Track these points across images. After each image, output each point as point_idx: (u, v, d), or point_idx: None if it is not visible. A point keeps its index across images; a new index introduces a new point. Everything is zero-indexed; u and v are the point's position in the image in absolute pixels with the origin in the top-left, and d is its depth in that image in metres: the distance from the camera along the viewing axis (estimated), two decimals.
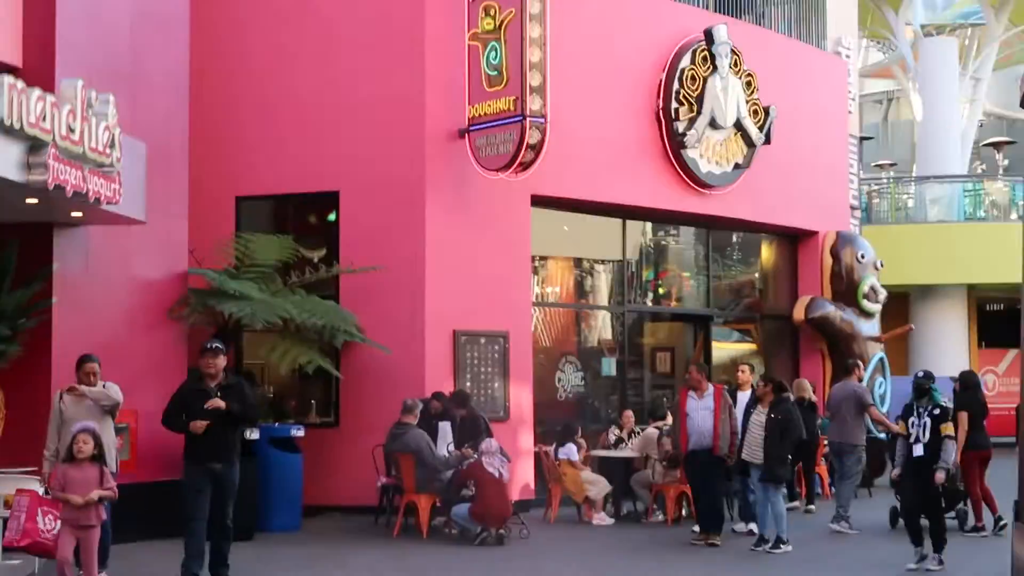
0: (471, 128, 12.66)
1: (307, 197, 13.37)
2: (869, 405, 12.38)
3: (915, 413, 9.19)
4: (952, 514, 10.90)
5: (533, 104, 12.25)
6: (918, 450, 9.01)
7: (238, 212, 13.07)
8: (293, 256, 12.53)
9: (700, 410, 10.35)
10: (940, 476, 9.07)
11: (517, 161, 12.25)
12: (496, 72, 12.48)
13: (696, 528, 10.74)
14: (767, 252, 17.58)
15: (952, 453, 9.24)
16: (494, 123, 12.53)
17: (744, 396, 11.42)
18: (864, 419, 12.12)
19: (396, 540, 11.27)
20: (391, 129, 12.74)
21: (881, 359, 16.79)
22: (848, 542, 11.25)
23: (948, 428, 9.20)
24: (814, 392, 14.16)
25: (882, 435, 13.80)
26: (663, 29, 15.07)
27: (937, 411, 9.18)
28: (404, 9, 12.94)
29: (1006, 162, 27.03)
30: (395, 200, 12.69)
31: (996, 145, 26.94)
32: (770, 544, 10.00)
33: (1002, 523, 10.74)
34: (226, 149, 12.87)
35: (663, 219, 16.11)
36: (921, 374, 9.64)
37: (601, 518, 12.22)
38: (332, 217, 13.13)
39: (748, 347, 17.37)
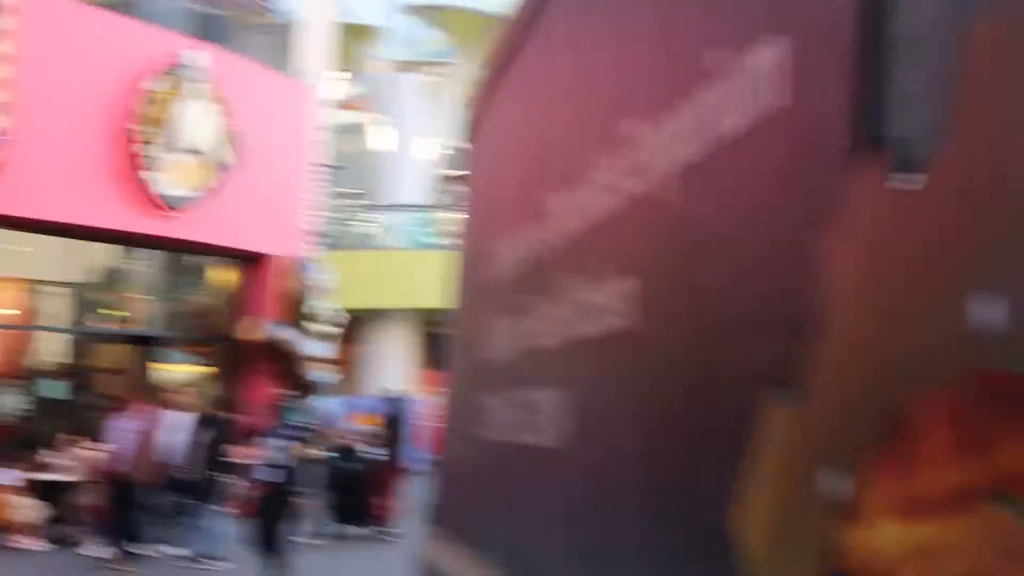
0: None
1: None
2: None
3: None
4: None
5: None
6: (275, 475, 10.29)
7: None
8: None
9: (128, 431, 10.96)
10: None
11: None
12: None
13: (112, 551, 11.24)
14: (228, 275, 18.20)
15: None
16: None
17: (182, 416, 11.94)
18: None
19: None
20: None
21: (325, 380, 17.87)
22: None
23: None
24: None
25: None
26: (135, 51, 15.45)
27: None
28: None
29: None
30: None
31: (454, 178, 30.14)
32: (206, 559, 10.67)
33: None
34: None
35: (126, 240, 16.57)
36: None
37: (32, 543, 12.39)
38: None
39: (206, 369, 17.71)
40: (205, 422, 11.13)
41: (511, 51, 4.21)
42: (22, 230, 14.73)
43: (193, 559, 10.73)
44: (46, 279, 16.25)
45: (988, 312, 1.09)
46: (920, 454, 1.25)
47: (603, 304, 2.55)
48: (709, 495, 1.78)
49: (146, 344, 16.93)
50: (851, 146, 1.42)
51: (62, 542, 12.78)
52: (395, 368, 23.41)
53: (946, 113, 1.21)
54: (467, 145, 5.29)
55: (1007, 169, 1.10)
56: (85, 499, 12.63)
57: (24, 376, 15.12)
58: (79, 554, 11.97)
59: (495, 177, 4.47)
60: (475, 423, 4.10)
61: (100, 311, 16.91)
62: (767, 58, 1.71)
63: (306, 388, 16.96)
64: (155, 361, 17.07)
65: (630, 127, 2.44)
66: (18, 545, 12.29)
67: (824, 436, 1.47)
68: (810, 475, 1.48)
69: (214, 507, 10.95)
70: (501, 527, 3.56)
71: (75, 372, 15.82)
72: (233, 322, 18.08)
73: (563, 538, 2.76)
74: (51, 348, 16.22)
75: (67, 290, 16.33)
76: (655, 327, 2.22)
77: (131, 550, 10.58)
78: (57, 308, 16.64)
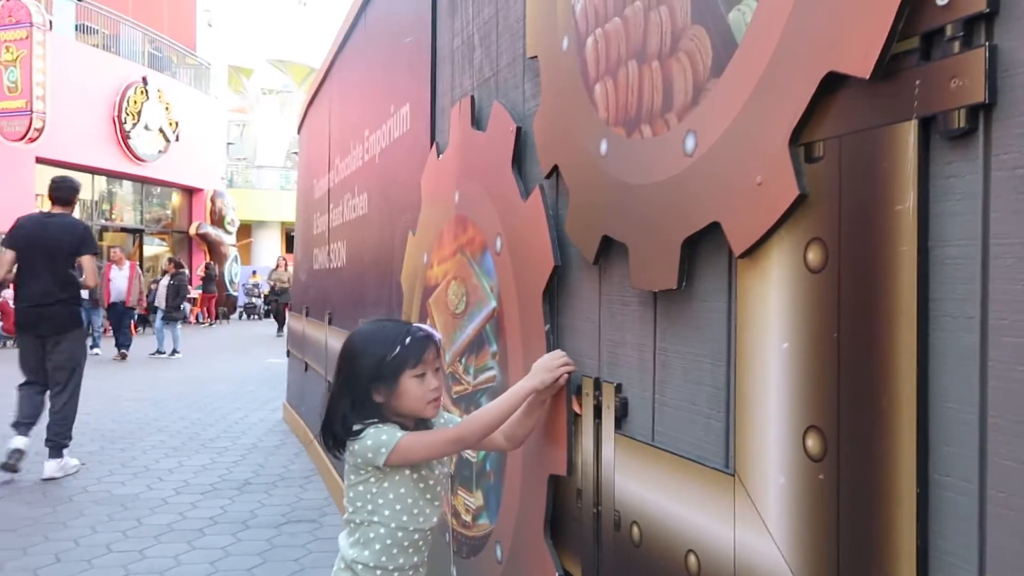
0: None
1: None
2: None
3: None
4: None
5: (37, 106, 14.63)
6: None
7: None
8: None
9: (120, 278, 12.29)
10: None
11: (27, 136, 14.71)
12: (14, 84, 14.73)
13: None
14: (176, 198, 20.61)
15: None
16: (14, 114, 14.68)
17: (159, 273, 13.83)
18: None
19: None
20: None
21: (232, 256, 20.66)
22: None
23: None
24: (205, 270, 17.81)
25: None
26: (119, 72, 17.39)
27: None
28: None
29: None
30: None
31: (296, 151, 30.83)
32: (168, 353, 12.02)
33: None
34: None
35: (119, 177, 18.44)
36: None
37: None
38: None
39: (168, 248, 20.01)
40: (171, 275, 12.80)
41: (318, 86, 5.37)
42: (58, 167, 15.35)
43: (160, 353, 12.06)
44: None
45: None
46: (442, 243, 2.24)
47: (357, 205, 3.82)
48: (391, 273, 2.97)
49: (132, 232, 19.14)
50: (429, 142, 2.50)
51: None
52: (269, 252, 25.23)
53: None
54: (299, 133, 6.67)
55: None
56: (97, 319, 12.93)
57: None
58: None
59: (311, 149, 5.63)
60: (309, 263, 5.59)
61: (105, 216, 18.56)
62: (405, 109, 2.87)
63: (221, 260, 20.08)
64: (137, 242, 19.16)
65: (364, 129, 3.65)
66: None
67: (421, 241, 2.51)
68: (418, 255, 2.53)
69: (173, 323, 12.42)
70: (321, 303, 4.98)
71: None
72: (182, 222, 20.48)
73: (347, 301, 4.07)
74: None
75: (83, 203, 17.59)
76: (374, 213, 3.42)
77: (124, 351, 11.74)
78: (78, 212, 18.37)
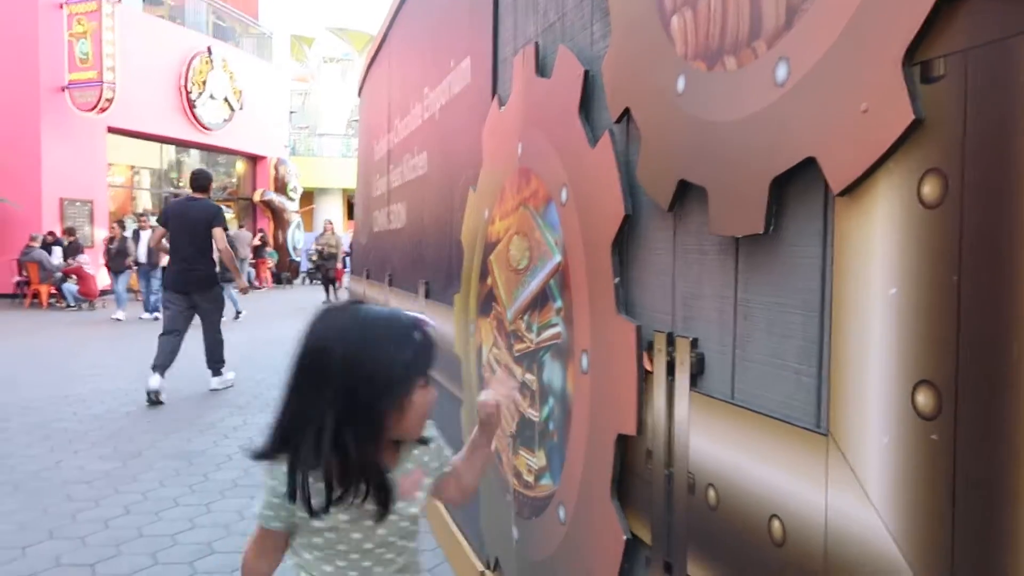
0: (71, 86, 14.97)
1: None
2: None
3: None
4: None
5: (108, 76, 14.89)
6: None
7: None
8: None
9: None
10: None
11: (98, 107, 15.04)
12: (85, 56, 14.96)
13: None
14: (241, 166, 20.87)
15: None
16: (85, 85, 14.96)
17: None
18: None
19: (27, 310, 13.48)
20: (18, 82, 14.65)
21: (295, 223, 20.93)
22: None
23: None
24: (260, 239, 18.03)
25: None
26: (185, 43, 17.67)
27: None
28: (24, 16, 14.72)
29: None
30: (18, 126, 14.64)
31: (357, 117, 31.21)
32: (233, 317, 11.90)
33: None
34: None
35: (185, 145, 18.68)
36: None
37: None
38: None
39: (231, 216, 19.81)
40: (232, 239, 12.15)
41: (376, 50, 5.34)
42: (128, 136, 16.61)
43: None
44: (141, 165, 18.11)
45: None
46: (504, 198, 2.16)
47: (417, 164, 3.75)
48: (452, 232, 2.92)
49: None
50: (491, 94, 2.41)
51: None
52: (331, 219, 23.57)
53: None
54: (360, 98, 6.63)
55: None
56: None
57: (131, 214, 16.30)
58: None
59: (371, 112, 5.63)
60: (369, 226, 5.57)
61: (174, 184, 18.71)
62: (466, 62, 2.79)
63: (284, 227, 20.48)
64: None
65: (425, 87, 3.59)
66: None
67: (482, 197, 2.43)
68: (479, 212, 2.47)
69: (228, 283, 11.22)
70: (380, 264, 4.96)
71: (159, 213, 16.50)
72: (246, 190, 20.86)
73: (406, 260, 4.03)
74: (144, 200, 18.10)
75: (154, 175, 18.44)
76: (434, 172, 3.35)
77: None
78: (147, 180, 18.46)
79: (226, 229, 6.19)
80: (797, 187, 1.00)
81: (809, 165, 0.96)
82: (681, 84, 1.23)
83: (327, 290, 15.35)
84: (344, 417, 1.11)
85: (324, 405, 1.12)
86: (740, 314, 1.12)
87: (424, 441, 1.27)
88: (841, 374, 0.91)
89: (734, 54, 1.11)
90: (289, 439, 1.15)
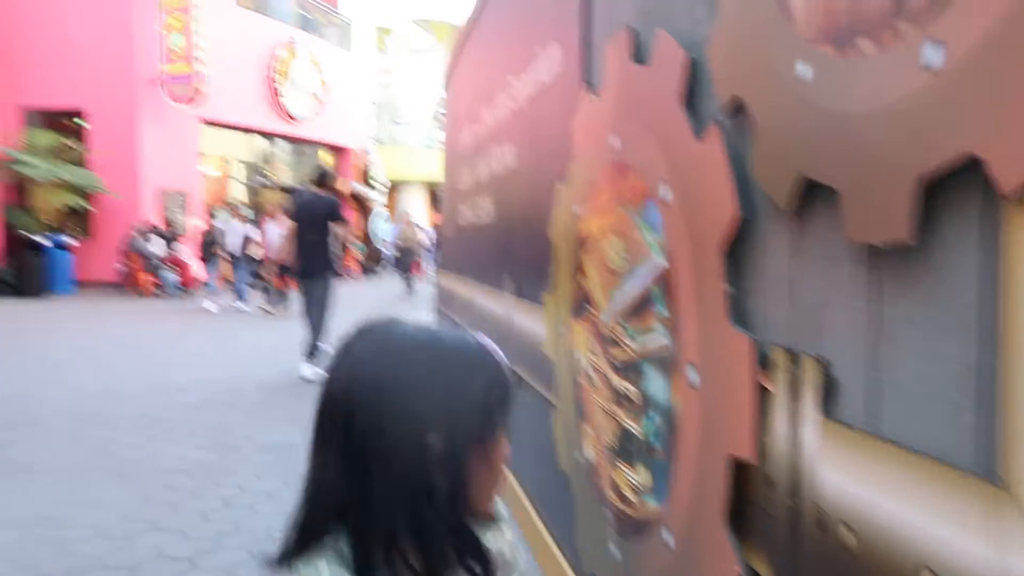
0: (165, 79, 15.56)
1: (60, 113, 15.26)
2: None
3: None
4: None
5: (198, 68, 15.52)
6: None
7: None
8: (61, 145, 14.74)
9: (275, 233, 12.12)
10: None
11: (191, 98, 15.66)
12: (178, 49, 15.53)
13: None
14: (327, 157, 20.87)
15: None
16: (179, 77, 15.61)
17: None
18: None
19: (131, 297, 14.23)
20: (116, 75, 15.17)
21: (381, 215, 21.04)
22: None
23: None
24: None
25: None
26: (270, 34, 17.96)
27: None
28: (119, 11, 15.32)
29: None
30: (117, 119, 15.15)
31: (442, 108, 31.17)
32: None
33: None
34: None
35: (272, 136, 18.96)
36: None
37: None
38: (83, 123, 15.23)
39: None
40: None
41: (462, 42, 5.27)
42: (221, 128, 17.11)
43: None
44: (232, 156, 18.45)
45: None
46: (598, 194, 2.03)
47: (503, 157, 3.65)
48: (541, 228, 2.80)
49: (285, 190, 18.92)
50: (581, 83, 2.30)
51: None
52: (415, 212, 24.12)
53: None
54: (446, 88, 6.68)
55: None
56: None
57: (223, 204, 16.52)
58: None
59: (457, 103, 5.57)
60: (455, 219, 5.52)
61: (262, 173, 19.20)
62: (554, 49, 2.66)
63: (367, 216, 20.81)
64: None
65: (509, 76, 3.48)
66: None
67: (573, 192, 2.32)
68: (569, 207, 2.36)
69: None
70: (467, 259, 4.92)
71: (249, 204, 17.43)
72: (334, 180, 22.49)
73: (493, 255, 3.92)
74: (238, 191, 18.56)
75: (245, 167, 18.90)
76: (522, 165, 3.22)
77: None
78: (238, 171, 18.82)
79: (343, 221, 6.78)
80: (950, 187, 0.87)
81: (967, 163, 0.80)
82: (804, 70, 1.10)
83: (408, 285, 15.50)
84: (418, 486, 0.79)
85: (383, 472, 0.79)
86: (879, 332, 0.98)
87: (493, 518, 0.90)
88: (1017, 409, 0.76)
89: (869, 35, 0.96)
90: (326, 529, 0.84)
